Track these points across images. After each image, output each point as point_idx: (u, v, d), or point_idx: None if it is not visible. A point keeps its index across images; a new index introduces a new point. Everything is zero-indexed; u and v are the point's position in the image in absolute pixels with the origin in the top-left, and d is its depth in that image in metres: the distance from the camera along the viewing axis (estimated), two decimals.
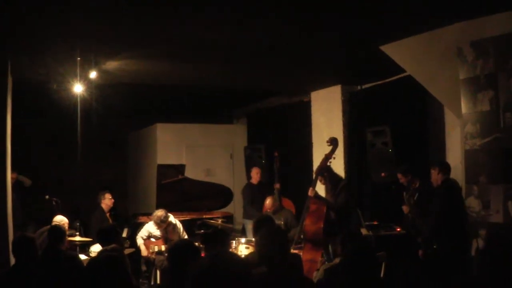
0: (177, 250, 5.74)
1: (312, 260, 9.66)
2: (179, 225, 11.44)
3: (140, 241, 11.18)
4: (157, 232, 11.13)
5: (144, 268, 11.42)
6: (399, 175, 10.47)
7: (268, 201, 11.62)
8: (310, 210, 10.20)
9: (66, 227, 10.35)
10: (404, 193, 10.40)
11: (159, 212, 10.97)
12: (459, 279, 7.92)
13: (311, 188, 10.23)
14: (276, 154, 12.90)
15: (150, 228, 11.21)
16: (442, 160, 10.22)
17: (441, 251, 8.85)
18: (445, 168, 9.37)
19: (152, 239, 11.09)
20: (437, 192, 9.27)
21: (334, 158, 10.40)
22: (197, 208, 13.13)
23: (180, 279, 5.23)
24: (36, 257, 7.30)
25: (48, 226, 10.53)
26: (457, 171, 10.05)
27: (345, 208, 10.51)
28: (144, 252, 11.01)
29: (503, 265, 5.65)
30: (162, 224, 10.99)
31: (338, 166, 12.54)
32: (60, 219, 10.36)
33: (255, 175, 13.60)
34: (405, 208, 10.34)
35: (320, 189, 10.80)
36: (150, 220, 11.62)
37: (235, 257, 5.08)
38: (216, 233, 8.03)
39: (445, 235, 8.84)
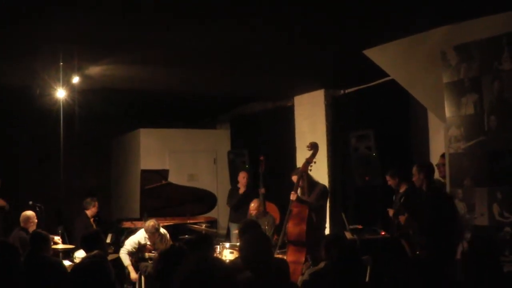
0: (169, 256, 5.71)
1: (296, 262, 9.74)
2: (167, 235, 11.27)
3: (127, 262, 10.70)
4: (147, 243, 10.86)
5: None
6: (388, 177, 10.56)
7: (253, 204, 11.81)
8: (293, 213, 10.28)
9: (35, 220, 10.39)
10: (394, 196, 10.46)
11: (152, 222, 10.56)
12: (445, 283, 7.93)
13: (292, 192, 10.27)
14: (261, 158, 12.89)
15: (139, 238, 10.85)
16: (426, 162, 10.17)
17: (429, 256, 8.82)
18: (428, 171, 9.34)
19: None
20: (426, 199, 9.20)
21: (315, 162, 10.45)
22: (181, 213, 13.08)
23: (167, 284, 5.20)
24: (19, 264, 7.25)
25: (19, 227, 10.57)
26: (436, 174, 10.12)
27: (319, 211, 10.53)
28: (133, 275, 10.63)
29: (488, 268, 5.66)
30: (156, 232, 10.74)
31: (321, 170, 12.58)
32: (29, 214, 10.40)
33: (242, 179, 13.59)
34: (390, 211, 10.36)
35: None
36: (134, 225, 11.59)
37: (219, 262, 5.06)
38: (200, 238, 8.01)
39: (434, 241, 8.77)
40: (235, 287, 4.33)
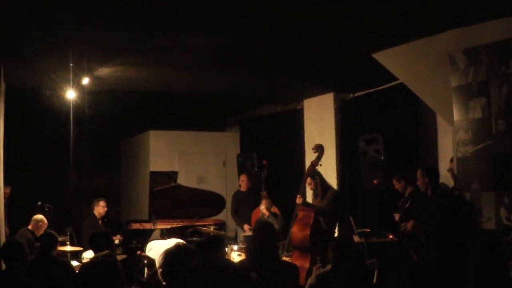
0: (175, 256, 5.72)
1: (300, 268, 9.62)
2: None
3: None
4: None
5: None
6: (394, 181, 10.51)
7: (264, 202, 11.87)
8: (298, 217, 10.26)
9: (45, 226, 10.37)
10: (400, 201, 10.42)
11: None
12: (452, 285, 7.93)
13: (298, 196, 10.27)
14: (264, 162, 13.07)
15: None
16: (430, 166, 10.13)
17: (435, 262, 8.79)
18: (432, 175, 9.32)
19: None
20: (432, 204, 9.17)
21: (320, 164, 10.44)
22: (190, 215, 13.08)
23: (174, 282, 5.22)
24: (26, 263, 7.29)
25: (26, 228, 10.58)
26: (445, 179, 10.10)
27: (331, 216, 10.51)
28: None
29: (495, 272, 5.66)
30: None
31: (330, 173, 12.59)
32: (41, 218, 10.41)
33: (242, 182, 14.03)
34: (396, 216, 10.34)
35: (308, 195, 10.90)
36: (143, 227, 11.63)
37: (228, 261, 5.08)
38: (211, 240, 8.02)
39: (441, 247, 8.72)
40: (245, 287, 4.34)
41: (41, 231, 10.19)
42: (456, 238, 8.21)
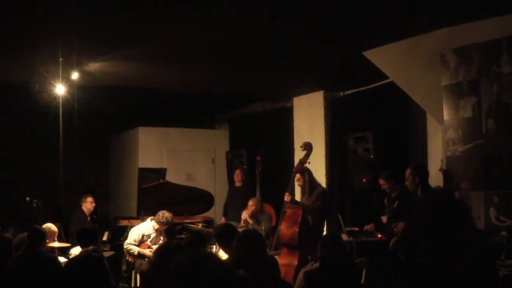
0: (165, 251, 5.69)
1: (288, 265, 9.67)
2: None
3: (136, 249, 10.56)
4: (152, 234, 10.74)
5: (124, 267, 11.15)
6: (382, 181, 10.31)
7: (251, 201, 11.82)
8: (286, 215, 10.24)
9: (53, 236, 10.13)
10: (386, 200, 10.36)
11: (168, 214, 10.60)
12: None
13: (287, 193, 10.26)
14: (258, 158, 13.03)
15: (143, 230, 10.74)
16: (421, 164, 9.98)
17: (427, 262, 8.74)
18: (423, 173, 9.11)
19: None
20: (424, 204, 9.04)
21: (309, 162, 10.42)
22: (178, 212, 13.05)
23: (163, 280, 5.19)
24: (11, 258, 7.25)
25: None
26: (435, 179, 10.09)
27: (319, 214, 10.52)
28: (148, 253, 10.38)
29: (484, 272, 5.65)
30: (167, 226, 10.73)
31: (319, 171, 12.58)
32: (47, 227, 10.25)
33: (236, 177, 14.19)
34: (383, 218, 10.25)
35: (296, 192, 10.90)
36: (131, 224, 11.62)
37: (217, 257, 5.05)
38: (196, 237, 7.99)
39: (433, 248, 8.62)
40: (234, 282, 4.31)
41: (52, 239, 9.97)
42: (450, 237, 8.18)
